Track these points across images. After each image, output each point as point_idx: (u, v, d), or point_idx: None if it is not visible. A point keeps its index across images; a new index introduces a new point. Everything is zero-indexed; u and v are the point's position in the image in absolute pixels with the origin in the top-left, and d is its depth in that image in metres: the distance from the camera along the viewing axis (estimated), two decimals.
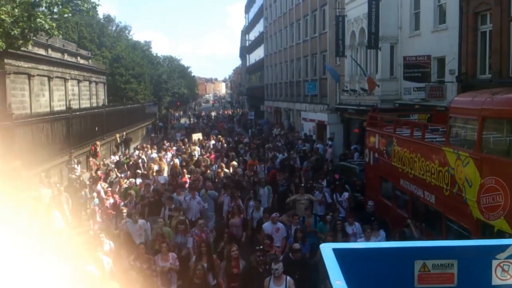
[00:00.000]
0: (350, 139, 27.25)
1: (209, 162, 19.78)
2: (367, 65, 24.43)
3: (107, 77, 46.05)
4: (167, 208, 12.31)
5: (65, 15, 13.65)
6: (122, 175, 17.78)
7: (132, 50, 55.85)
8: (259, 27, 58.41)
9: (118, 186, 15.79)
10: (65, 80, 31.82)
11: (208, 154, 22.08)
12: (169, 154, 22.49)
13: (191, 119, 61.81)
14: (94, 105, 37.59)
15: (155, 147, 25.20)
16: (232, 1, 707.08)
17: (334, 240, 9.58)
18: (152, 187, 14.70)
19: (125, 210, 11.69)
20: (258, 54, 61.07)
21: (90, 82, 38.97)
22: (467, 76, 16.29)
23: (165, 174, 18.00)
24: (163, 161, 19.99)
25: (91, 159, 23.05)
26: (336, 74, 27.72)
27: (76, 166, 20.41)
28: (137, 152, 24.29)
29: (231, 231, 11.18)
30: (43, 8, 12.96)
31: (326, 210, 12.48)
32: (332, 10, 28.95)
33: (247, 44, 74.03)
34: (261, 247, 9.20)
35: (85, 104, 35.84)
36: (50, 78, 28.64)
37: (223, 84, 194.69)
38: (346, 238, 10.37)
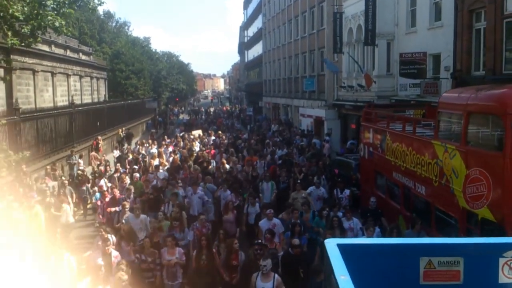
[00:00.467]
0: (347, 135, 27.68)
1: (208, 158, 19.75)
2: (364, 62, 24.80)
3: (108, 73, 46.39)
4: (170, 204, 12.32)
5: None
6: (122, 171, 17.86)
7: (131, 46, 56.11)
8: (258, 23, 58.49)
9: (116, 180, 15.75)
10: (68, 75, 32.21)
11: (208, 150, 22.25)
12: (170, 149, 22.63)
13: (190, 115, 62.08)
14: (96, 100, 37.99)
15: (155, 142, 25.46)
16: None
17: (333, 236, 9.42)
18: (155, 181, 14.90)
19: (127, 206, 11.86)
20: (256, 50, 61.17)
21: (92, 77, 39.35)
22: (462, 72, 16.53)
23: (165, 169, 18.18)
24: (163, 156, 20.14)
25: (93, 153, 23.42)
26: (334, 67, 27.92)
27: (79, 160, 20.86)
28: (138, 147, 24.58)
29: (225, 227, 11.33)
30: (51, 7, 13.39)
31: (323, 205, 12.53)
32: (330, 7, 29.17)
33: (245, 40, 73.89)
34: (260, 241, 9.36)
35: (87, 99, 36.21)
36: (53, 74, 29.03)
37: (222, 80, 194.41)
38: (343, 233, 10.28)
